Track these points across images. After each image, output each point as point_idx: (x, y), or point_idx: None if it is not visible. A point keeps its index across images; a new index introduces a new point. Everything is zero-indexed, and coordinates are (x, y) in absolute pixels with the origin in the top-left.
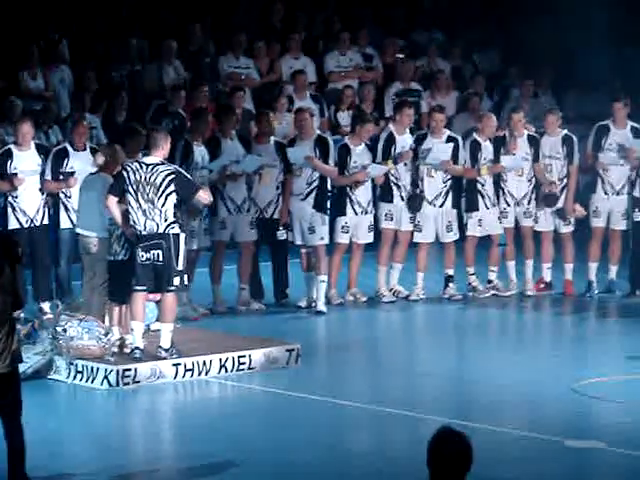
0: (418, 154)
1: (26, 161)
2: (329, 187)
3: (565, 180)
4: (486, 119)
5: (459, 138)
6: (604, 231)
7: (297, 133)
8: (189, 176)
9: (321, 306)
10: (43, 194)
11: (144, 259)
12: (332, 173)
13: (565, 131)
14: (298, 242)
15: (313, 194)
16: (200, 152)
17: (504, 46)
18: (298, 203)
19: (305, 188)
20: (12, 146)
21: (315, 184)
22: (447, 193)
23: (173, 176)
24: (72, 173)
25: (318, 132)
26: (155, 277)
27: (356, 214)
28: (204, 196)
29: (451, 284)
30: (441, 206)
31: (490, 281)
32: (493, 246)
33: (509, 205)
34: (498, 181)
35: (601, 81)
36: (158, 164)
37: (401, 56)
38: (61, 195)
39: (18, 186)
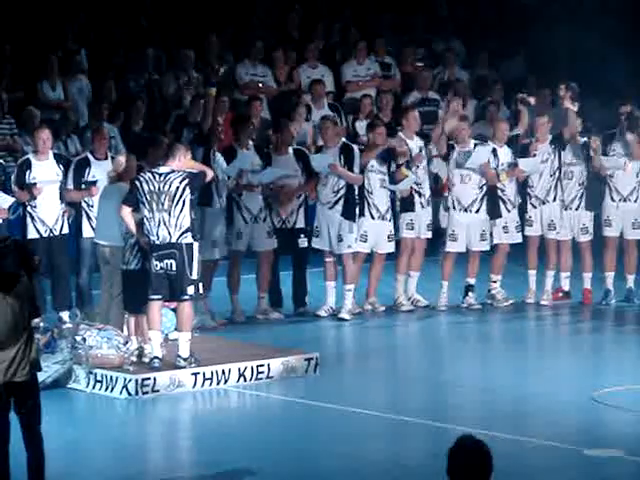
0: (450, 160)
1: (45, 171)
2: (356, 194)
3: (585, 184)
4: (498, 125)
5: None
6: (617, 240)
7: (322, 141)
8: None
9: (344, 314)
10: (62, 204)
11: (158, 268)
12: (358, 180)
13: (585, 139)
14: (326, 248)
15: (341, 202)
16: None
17: (523, 55)
18: (326, 211)
19: (332, 196)
20: (31, 156)
21: (342, 192)
22: (482, 199)
23: (186, 180)
24: (94, 182)
25: (344, 140)
26: (169, 286)
27: (373, 218)
28: (210, 174)
29: (470, 293)
30: (477, 212)
31: (489, 290)
32: (499, 255)
33: (535, 207)
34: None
35: (620, 90)
36: (169, 172)
37: (421, 64)
38: (83, 204)
39: (37, 196)
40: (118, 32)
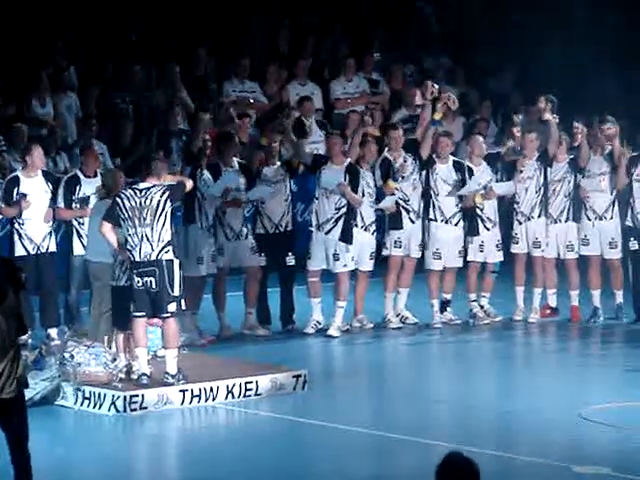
0: (431, 181)
1: (33, 188)
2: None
3: (570, 195)
4: (472, 141)
5: (464, 163)
6: (599, 258)
7: (329, 156)
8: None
9: (333, 330)
10: (48, 222)
11: (140, 284)
12: (360, 203)
13: (572, 156)
14: (316, 268)
15: (340, 223)
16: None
17: (511, 71)
18: (322, 236)
19: (334, 213)
20: (19, 172)
21: (343, 211)
22: (460, 212)
23: (167, 193)
24: (87, 201)
25: (349, 160)
26: (152, 303)
27: (356, 226)
28: (189, 184)
29: (448, 308)
30: (456, 224)
31: (482, 306)
32: (487, 274)
33: (520, 223)
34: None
35: (609, 105)
36: (150, 187)
37: (377, 54)
38: (74, 222)
39: (25, 209)
40: (106, 48)
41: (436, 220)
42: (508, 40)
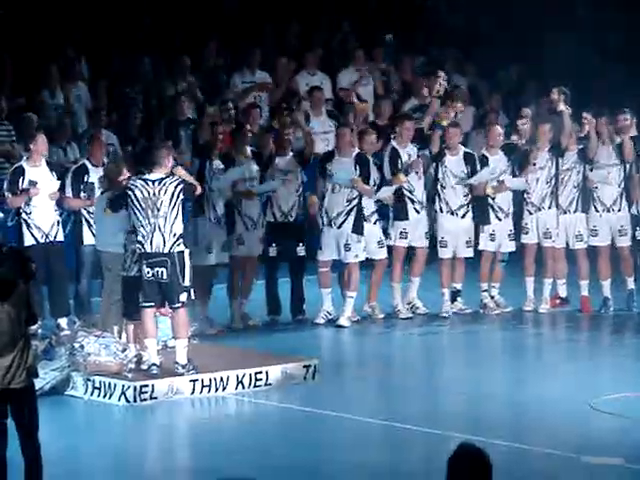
0: (439, 173)
1: (39, 177)
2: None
3: (580, 186)
4: (491, 130)
5: (475, 154)
6: (609, 248)
7: (336, 147)
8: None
9: (344, 321)
10: (56, 210)
11: (150, 275)
12: (372, 194)
13: (582, 146)
14: (326, 259)
15: (352, 215)
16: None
17: (521, 63)
18: (333, 231)
19: (345, 205)
20: (24, 162)
21: (355, 202)
22: (468, 205)
23: (181, 186)
24: (92, 187)
25: (357, 149)
26: (161, 293)
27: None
28: (198, 189)
29: (459, 298)
30: (463, 217)
31: (492, 297)
32: (496, 263)
33: (531, 214)
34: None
35: (617, 98)
36: (164, 178)
37: (389, 36)
38: (83, 212)
39: (33, 196)
40: (116, 40)
41: (442, 212)
42: (518, 33)
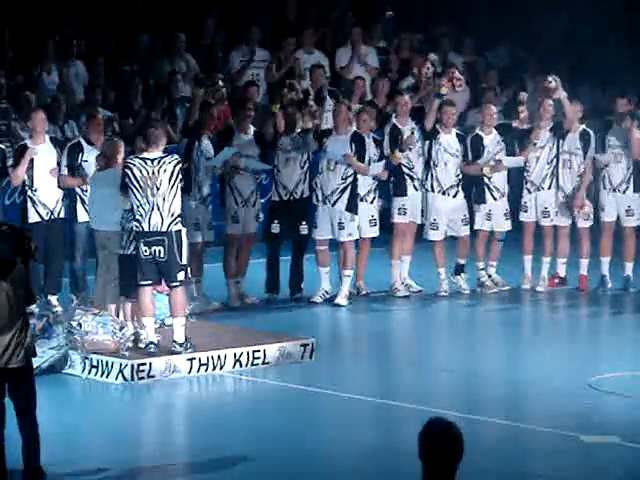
0: (432, 151)
1: (42, 154)
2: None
3: (632, 165)
4: (485, 109)
5: (465, 135)
6: (613, 226)
7: (334, 125)
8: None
9: (341, 299)
10: (55, 176)
11: (147, 254)
12: (367, 172)
13: (583, 126)
14: (322, 237)
15: (346, 193)
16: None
17: (517, 40)
18: (328, 208)
19: (340, 183)
20: (27, 141)
21: (349, 180)
22: (459, 185)
23: (180, 165)
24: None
25: (354, 128)
26: (158, 272)
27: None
28: None
29: (462, 274)
30: (454, 196)
31: (489, 275)
32: (494, 242)
33: (530, 192)
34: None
35: (614, 76)
36: (163, 157)
37: (390, 13)
38: (77, 189)
39: (30, 156)
40: (112, 17)
41: (433, 191)
42: (509, 9)
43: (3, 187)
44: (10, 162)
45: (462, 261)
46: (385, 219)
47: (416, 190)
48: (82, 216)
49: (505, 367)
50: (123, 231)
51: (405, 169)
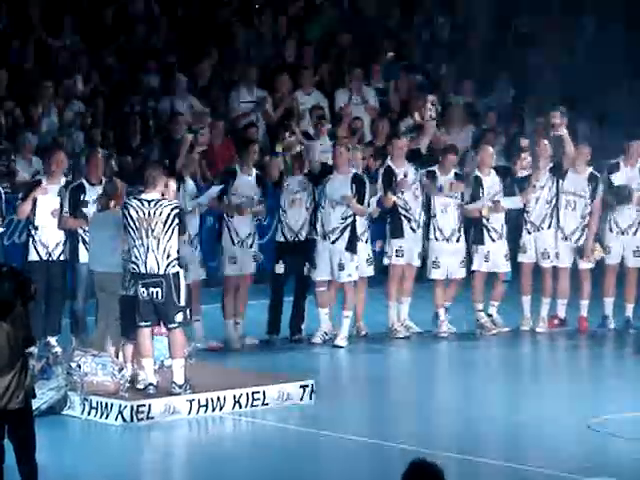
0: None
1: (48, 194)
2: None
3: (587, 218)
4: (483, 151)
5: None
6: (617, 268)
7: (334, 165)
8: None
9: (340, 341)
10: (55, 217)
11: (145, 295)
12: (364, 213)
13: (591, 169)
14: (322, 278)
15: (347, 232)
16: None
17: (516, 80)
18: (328, 245)
19: (340, 223)
20: (43, 178)
21: (349, 221)
22: (460, 229)
23: (177, 210)
24: (86, 206)
25: (355, 170)
26: (157, 313)
27: None
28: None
29: (443, 316)
30: (457, 241)
31: (490, 315)
32: (498, 282)
33: (529, 233)
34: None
35: (615, 115)
36: (160, 199)
37: (391, 54)
38: (79, 230)
39: (39, 195)
40: (112, 56)
41: (437, 240)
42: (508, 49)
43: (3, 227)
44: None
45: (447, 304)
46: (379, 260)
47: (413, 232)
48: (84, 257)
49: (505, 408)
50: (125, 272)
51: (402, 210)
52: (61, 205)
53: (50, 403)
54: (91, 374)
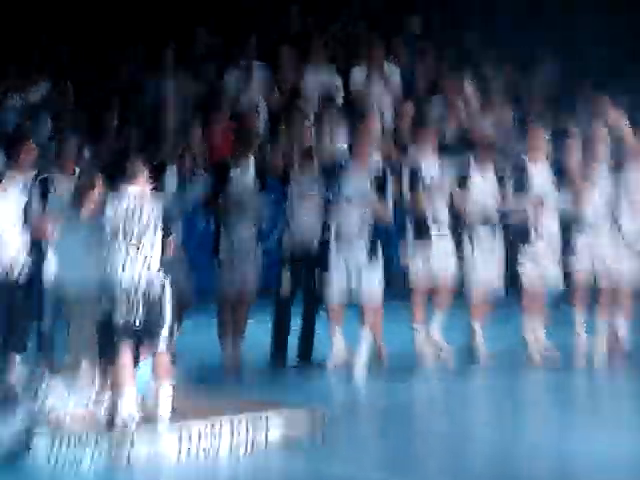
0: None
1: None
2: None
3: None
4: (533, 132)
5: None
6: None
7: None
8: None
9: (357, 368)
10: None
11: (124, 309)
12: (386, 218)
13: None
14: (338, 292)
15: (364, 239)
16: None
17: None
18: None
19: (359, 224)
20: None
21: (368, 226)
22: None
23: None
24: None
25: (375, 160)
26: (139, 335)
27: None
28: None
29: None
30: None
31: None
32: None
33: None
34: None
35: None
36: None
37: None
38: (47, 234)
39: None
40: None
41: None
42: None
43: None
44: None
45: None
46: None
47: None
48: (50, 270)
49: (546, 440)
50: (100, 284)
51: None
52: (28, 202)
53: (11, 446)
54: (61, 404)
